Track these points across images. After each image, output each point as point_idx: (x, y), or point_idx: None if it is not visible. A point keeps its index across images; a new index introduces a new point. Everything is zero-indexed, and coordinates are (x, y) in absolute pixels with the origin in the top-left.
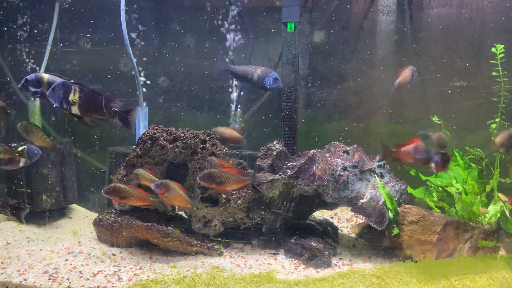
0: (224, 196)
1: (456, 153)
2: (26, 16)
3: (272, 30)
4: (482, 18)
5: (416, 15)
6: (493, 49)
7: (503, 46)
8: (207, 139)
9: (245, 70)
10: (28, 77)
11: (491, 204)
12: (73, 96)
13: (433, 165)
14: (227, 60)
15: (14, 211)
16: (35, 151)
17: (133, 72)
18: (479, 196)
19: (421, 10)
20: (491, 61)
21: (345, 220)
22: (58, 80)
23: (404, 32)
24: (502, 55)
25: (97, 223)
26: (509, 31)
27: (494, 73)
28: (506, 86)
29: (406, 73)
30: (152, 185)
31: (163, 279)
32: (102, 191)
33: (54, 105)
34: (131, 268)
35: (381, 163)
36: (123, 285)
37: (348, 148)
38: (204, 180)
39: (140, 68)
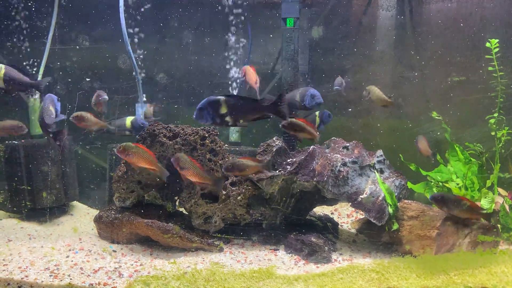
0: (224, 192)
1: (457, 148)
2: (25, 13)
3: (272, 26)
4: (482, 13)
5: (416, 10)
6: (487, 44)
7: (497, 40)
8: (206, 135)
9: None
10: None
11: (482, 199)
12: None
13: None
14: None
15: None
16: (141, 124)
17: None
18: (469, 190)
19: (421, 5)
20: (486, 56)
21: (345, 216)
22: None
23: (404, 27)
24: (497, 49)
25: (97, 220)
26: (508, 25)
27: (490, 68)
28: (502, 81)
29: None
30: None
31: (163, 275)
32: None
33: None
34: (132, 265)
35: (381, 158)
36: (124, 281)
37: (348, 144)
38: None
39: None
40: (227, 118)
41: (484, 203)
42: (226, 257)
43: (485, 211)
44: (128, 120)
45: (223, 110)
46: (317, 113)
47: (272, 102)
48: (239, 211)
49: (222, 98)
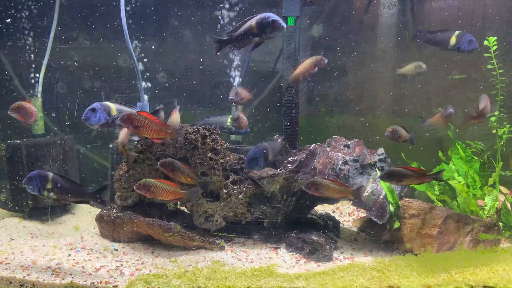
0: (225, 190)
1: (458, 146)
2: (27, 12)
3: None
4: (483, 10)
5: (417, 8)
6: (485, 42)
7: (495, 38)
8: (207, 134)
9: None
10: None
11: (486, 197)
12: None
13: None
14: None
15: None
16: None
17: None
18: (471, 188)
19: (423, 3)
20: (484, 54)
21: (347, 214)
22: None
23: (405, 24)
24: (496, 47)
25: (99, 219)
26: (509, 23)
27: (489, 66)
28: (501, 79)
29: (306, 64)
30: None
31: (164, 273)
32: (135, 187)
33: None
34: (133, 263)
35: (382, 157)
36: (125, 280)
37: (349, 142)
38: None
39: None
40: (52, 194)
41: (488, 200)
42: (227, 256)
43: (432, 174)
44: (230, 118)
45: (49, 185)
46: (456, 32)
47: (95, 191)
48: (240, 210)
49: (51, 174)
